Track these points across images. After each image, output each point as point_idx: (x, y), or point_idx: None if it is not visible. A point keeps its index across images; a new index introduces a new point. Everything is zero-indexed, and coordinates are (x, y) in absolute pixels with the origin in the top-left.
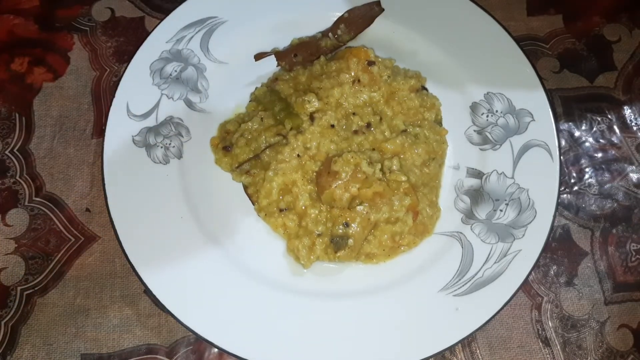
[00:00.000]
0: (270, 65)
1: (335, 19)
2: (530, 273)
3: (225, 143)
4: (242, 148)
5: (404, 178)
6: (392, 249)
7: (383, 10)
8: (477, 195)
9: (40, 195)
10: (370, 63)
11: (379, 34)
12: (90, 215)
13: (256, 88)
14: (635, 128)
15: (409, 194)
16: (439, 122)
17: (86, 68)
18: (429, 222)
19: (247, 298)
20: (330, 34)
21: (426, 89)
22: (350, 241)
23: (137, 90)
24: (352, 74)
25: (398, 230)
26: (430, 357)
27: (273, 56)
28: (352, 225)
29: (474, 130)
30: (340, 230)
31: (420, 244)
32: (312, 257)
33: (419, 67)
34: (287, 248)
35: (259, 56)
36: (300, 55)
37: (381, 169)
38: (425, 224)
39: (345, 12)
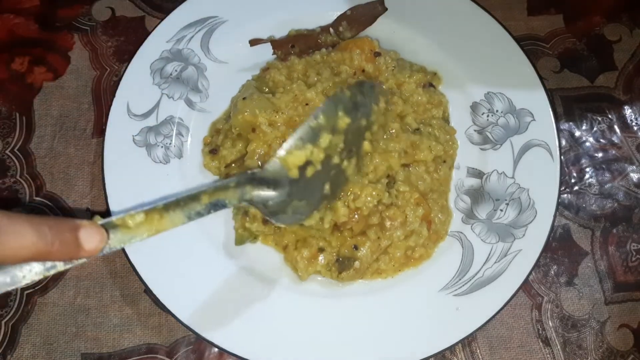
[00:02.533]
0: None
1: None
2: (530, 273)
3: (212, 145)
4: (229, 150)
5: (402, 188)
6: (402, 264)
7: (386, 9)
8: (477, 195)
9: (40, 195)
10: (377, 54)
11: (379, 34)
12: (91, 214)
13: (247, 81)
14: (635, 128)
15: (421, 203)
16: (446, 119)
17: (86, 67)
18: (441, 227)
19: (247, 297)
20: (331, 29)
21: (433, 86)
22: (357, 263)
23: (137, 90)
24: (356, 63)
25: (412, 245)
26: (430, 357)
27: (270, 50)
28: (361, 249)
29: (475, 130)
30: (348, 252)
31: (432, 254)
32: (310, 269)
33: None
34: (285, 259)
35: (254, 42)
36: (298, 47)
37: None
38: (438, 230)
39: (347, 10)
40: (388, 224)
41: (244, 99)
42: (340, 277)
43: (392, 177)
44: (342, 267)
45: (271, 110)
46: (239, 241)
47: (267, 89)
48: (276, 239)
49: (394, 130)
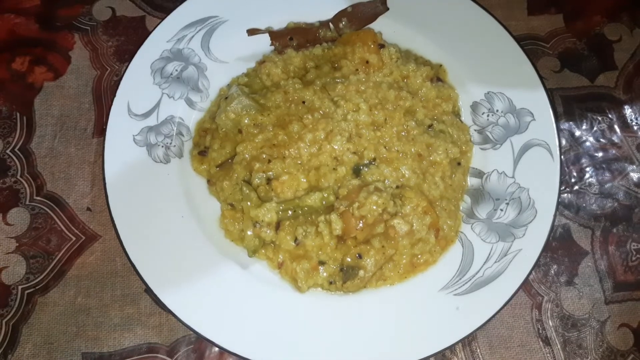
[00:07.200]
0: None
1: None
2: (530, 272)
3: (200, 147)
4: (217, 151)
5: (409, 195)
6: (408, 270)
7: (387, 9)
8: (477, 195)
9: (41, 195)
10: (381, 46)
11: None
12: (91, 214)
13: (232, 78)
14: (635, 127)
15: (429, 212)
16: (456, 114)
17: (87, 67)
18: (450, 232)
19: (247, 297)
20: (330, 25)
21: (441, 80)
22: (362, 272)
23: (138, 90)
24: (359, 55)
25: (417, 253)
26: (431, 356)
27: (271, 48)
28: (366, 258)
29: (475, 130)
30: (352, 261)
31: (439, 260)
32: (310, 280)
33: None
34: (281, 274)
35: (252, 31)
36: (296, 40)
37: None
38: (447, 235)
39: (349, 6)
40: (393, 233)
41: (226, 98)
42: (345, 286)
43: (402, 185)
44: (347, 276)
45: (255, 111)
46: (252, 251)
47: (260, 84)
48: (269, 255)
49: (405, 132)
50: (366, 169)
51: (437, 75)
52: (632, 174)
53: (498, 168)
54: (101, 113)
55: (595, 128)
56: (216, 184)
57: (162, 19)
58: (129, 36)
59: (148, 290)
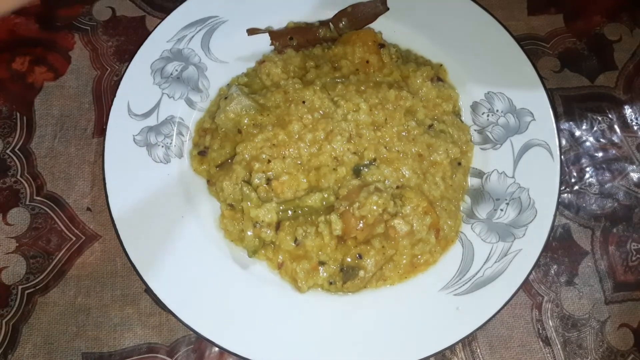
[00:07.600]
0: None
1: None
2: (530, 272)
3: (200, 147)
4: (217, 151)
5: (409, 195)
6: (408, 271)
7: (388, 9)
8: (477, 195)
9: (41, 195)
10: (381, 45)
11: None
12: (91, 214)
13: (232, 78)
14: (635, 127)
15: (429, 212)
16: (457, 114)
17: (87, 67)
18: (450, 233)
19: (248, 297)
20: (330, 24)
21: (441, 80)
22: (362, 273)
23: (138, 90)
24: (359, 55)
25: (417, 253)
26: (431, 356)
27: (271, 48)
28: (366, 258)
29: (475, 130)
30: (352, 261)
31: (439, 260)
32: (310, 280)
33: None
34: (281, 273)
35: (252, 31)
36: (296, 40)
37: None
38: (447, 235)
39: (349, 6)
40: (393, 233)
41: (225, 98)
42: (345, 287)
43: (403, 186)
44: (347, 276)
45: (255, 111)
46: (252, 252)
47: (259, 84)
48: (269, 255)
49: (405, 133)
50: (366, 169)
51: (437, 75)
52: (632, 174)
53: (498, 168)
54: (101, 113)
55: (595, 128)
56: (216, 184)
57: (162, 19)
58: (129, 36)
59: (148, 290)
